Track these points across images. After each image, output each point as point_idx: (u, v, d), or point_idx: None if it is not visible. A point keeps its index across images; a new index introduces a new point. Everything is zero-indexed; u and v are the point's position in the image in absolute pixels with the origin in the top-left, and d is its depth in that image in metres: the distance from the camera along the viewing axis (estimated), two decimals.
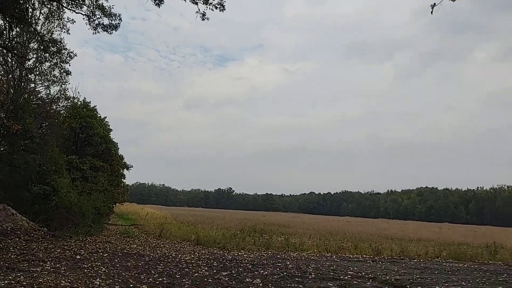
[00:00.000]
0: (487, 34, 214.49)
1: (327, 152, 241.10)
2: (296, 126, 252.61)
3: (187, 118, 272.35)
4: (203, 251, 15.68)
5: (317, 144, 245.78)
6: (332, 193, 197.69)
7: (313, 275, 11.16)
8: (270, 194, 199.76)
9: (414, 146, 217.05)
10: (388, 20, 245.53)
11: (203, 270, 11.07)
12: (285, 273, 11.28)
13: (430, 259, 17.35)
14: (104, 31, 16.61)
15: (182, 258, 13.33)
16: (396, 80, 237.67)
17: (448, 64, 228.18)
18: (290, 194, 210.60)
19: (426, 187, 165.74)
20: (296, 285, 9.74)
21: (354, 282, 10.55)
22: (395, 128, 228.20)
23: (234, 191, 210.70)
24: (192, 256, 14.01)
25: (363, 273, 12.00)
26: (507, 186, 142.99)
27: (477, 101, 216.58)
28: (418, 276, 12.06)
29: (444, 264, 15.90)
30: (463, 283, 11.43)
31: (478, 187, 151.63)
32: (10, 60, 21.15)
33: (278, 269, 11.97)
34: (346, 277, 11.13)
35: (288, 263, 13.45)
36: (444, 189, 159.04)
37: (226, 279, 9.97)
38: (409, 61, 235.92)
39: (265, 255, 15.58)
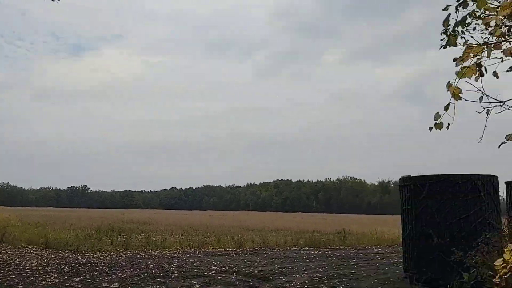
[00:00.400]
0: (335, 39, 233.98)
1: (189, 147, 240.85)
2: (157, 120, 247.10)
3: (37, 110, 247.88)
4: (52, 256, 14.14)
5: (179, 139, 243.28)
6: (194, 188, 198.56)
7: (176, 274, 10.70)
8: (129, 190, 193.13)
9: (271, 141, 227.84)
10: (247, 20, 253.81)
11: (52, 277, 9.87)
12: (146, 273, 10.63)
13: (289, 247, 18.07)
14: None
15: (27, 264, 11.79)
16: (255, 78, 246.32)
17: (302, 65, 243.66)
18: (150, 190, 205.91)
19: (282, 179, 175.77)
20: (158, 286, 9.18)
21: (219, 277, 10.36)
22: (254, 124, 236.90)
23: (89, 188, 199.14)
24: (40, 261, 12.50)
25: (227, 267, 11.91)
26: (350, 177, 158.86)
27: (327, 99, 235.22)
28: (279, 266, 12.37)
29: (302, 252, 16.67)
30: (320, 269, 12.01)
31: (326, 179, 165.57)
32: None
33: (138, 270, 11.24)
34: (210, 273, 10.89)
35: (149, 262, 12.76)
36: (297, 181, 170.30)
37: (79, 286, 8.99)
38: (267, 60, 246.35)
39: (124, 255, 14.64)
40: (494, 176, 9.83)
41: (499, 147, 3.24)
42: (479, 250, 5.16)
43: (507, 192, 10.56)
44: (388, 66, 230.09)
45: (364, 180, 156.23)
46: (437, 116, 3.18)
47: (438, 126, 3.21)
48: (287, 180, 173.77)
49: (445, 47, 4.18)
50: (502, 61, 4.93)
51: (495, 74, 4.81)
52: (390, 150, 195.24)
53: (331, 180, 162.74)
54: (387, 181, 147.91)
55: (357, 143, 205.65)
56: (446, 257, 8.85)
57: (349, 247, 19.04)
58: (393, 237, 21.94)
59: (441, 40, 6.26)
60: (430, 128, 3.29)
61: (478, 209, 9.23)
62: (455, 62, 4.87)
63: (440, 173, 9.68)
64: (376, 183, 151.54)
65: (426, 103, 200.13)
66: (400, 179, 10.59)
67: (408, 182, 10.09)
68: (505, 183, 10.51)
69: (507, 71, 5.18)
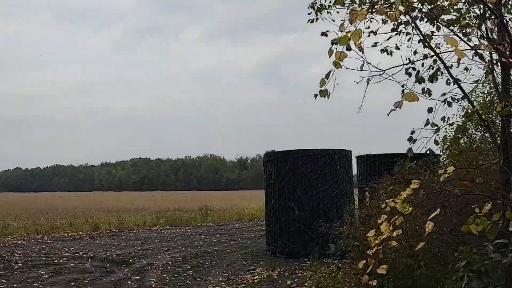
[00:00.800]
0: (195, 16, 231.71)
1: (37, 123, 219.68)
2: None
3: None
4: None
5: (25, 113, 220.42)
6: (42, 168, 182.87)
7: (20, 264, 9.45)
8: None
9: (128, 117, 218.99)
10: None
11: None
12: None
13: (149, 228, 17.41)
14: None
15: None
16: (113, 51, 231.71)
17: (161, 40, 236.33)
18: None
19: (140, 158, 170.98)
20: None
21: (71, 264, 9.41)
22: (110, 99, 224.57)
23: None
24: None
25: (81, 253, 10.92)
26: (210, 155, 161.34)
27: (186, 76, 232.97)
28: (139, 248, 11.76)
29: (163, 231, 16.17)
30: (183, 248, 11.71)
31: (186, 156, 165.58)
32: None
33: None
34: (61, 260, 9.86)
35: None
36: (156, 159, 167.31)
37: None
38: (124, 33, 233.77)
39: None
40: (348, 150, 10.47)
41: (388, 114, 3.19)
42: (344, 221, 5.29)
43: (358, 166, 11.35)
44: (247, 46, 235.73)
45: (224, 157, 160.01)
46: (322, 82, 2.98)
47: (323, 93, 3.03)
48: (146, 158, 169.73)
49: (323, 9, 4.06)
50: (368, 35, 5.05)
51: (361, 49, 4.88)
52: (248, 128, 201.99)
53: (191, 158, 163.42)
54: (245, 158, 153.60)
55: (217, 121, 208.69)
56: (307, 228, 9.19)
57: (211, 223, 19.07)
58: (253, 212, 22.64)
59: (309, 14, 6.23)
60: (316, 96, 3.11)
61: (334, 182, 9.73)
62: (323, 36, 4.84)
63: (301, 148, 9.98)
64: (235, 160, 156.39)
65: (282, 83, 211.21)
66: (264, 154, 10.69)
67: (271, 157, 10.23)
68: (356, 157, 11.27)
69: (372, 46, 5.33)
